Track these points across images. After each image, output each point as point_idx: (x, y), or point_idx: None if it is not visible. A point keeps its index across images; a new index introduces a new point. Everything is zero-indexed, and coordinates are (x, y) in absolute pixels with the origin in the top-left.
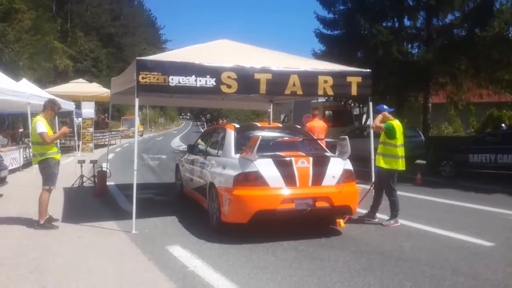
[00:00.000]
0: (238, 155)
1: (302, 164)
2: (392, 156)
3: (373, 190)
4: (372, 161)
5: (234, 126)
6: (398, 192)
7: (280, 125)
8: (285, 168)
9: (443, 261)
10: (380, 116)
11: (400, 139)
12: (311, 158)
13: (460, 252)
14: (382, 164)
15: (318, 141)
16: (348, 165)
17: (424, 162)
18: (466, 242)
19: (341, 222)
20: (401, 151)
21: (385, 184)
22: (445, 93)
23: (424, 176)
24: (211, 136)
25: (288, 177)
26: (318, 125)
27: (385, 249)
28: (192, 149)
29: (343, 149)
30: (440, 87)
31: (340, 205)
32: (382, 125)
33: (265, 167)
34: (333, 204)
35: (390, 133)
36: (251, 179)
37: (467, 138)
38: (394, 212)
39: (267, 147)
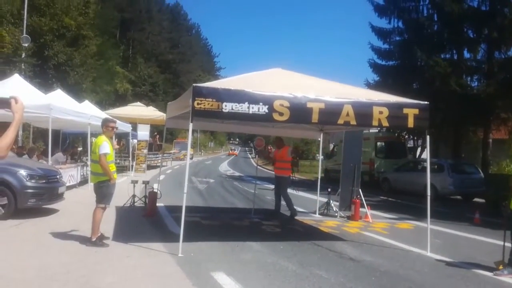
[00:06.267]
0: None
1: None
2: None
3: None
4: (428, 197)
5: None
6: (453, 231)
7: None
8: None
9: None
10: None
11: None
12: None
13: None
14: None
15: None
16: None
17: (483, 200)
18: None
19: (501, 265)
20: None
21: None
22: (507, 129)
23: (483, 216)
24: None
25: None
26: None
27: None
28: None
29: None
30: (501, 122)
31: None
32: None
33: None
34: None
35: None
36: None
37: None
38: None
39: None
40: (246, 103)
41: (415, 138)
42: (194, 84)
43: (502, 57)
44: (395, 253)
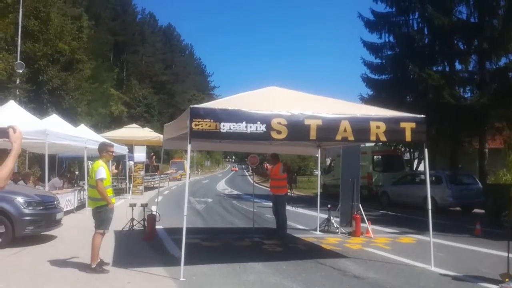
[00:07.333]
0: None
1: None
2: None
3: None
4: (429, 211)
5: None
6: (455, 244)
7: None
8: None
9: None
10: None
11: None
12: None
13: None
14: None
15: None
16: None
17: (483, 211)
18: None
19: (507, 278)
20: None
21: None
22: (502, 138)
23: (484, 227)
24: None
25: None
26: None
27: None
28: None
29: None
30: (496, 132)
31: None
32: None
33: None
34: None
35: None
36: None
37: None
38: None
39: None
40: (244, 122)
41: (412, 150)
42: (191, 106)
43: (493, 67)
44: (399, 269)
